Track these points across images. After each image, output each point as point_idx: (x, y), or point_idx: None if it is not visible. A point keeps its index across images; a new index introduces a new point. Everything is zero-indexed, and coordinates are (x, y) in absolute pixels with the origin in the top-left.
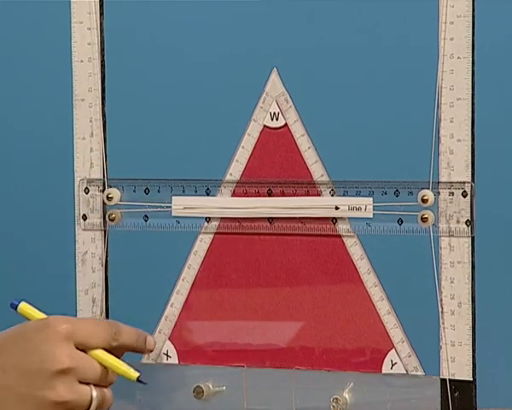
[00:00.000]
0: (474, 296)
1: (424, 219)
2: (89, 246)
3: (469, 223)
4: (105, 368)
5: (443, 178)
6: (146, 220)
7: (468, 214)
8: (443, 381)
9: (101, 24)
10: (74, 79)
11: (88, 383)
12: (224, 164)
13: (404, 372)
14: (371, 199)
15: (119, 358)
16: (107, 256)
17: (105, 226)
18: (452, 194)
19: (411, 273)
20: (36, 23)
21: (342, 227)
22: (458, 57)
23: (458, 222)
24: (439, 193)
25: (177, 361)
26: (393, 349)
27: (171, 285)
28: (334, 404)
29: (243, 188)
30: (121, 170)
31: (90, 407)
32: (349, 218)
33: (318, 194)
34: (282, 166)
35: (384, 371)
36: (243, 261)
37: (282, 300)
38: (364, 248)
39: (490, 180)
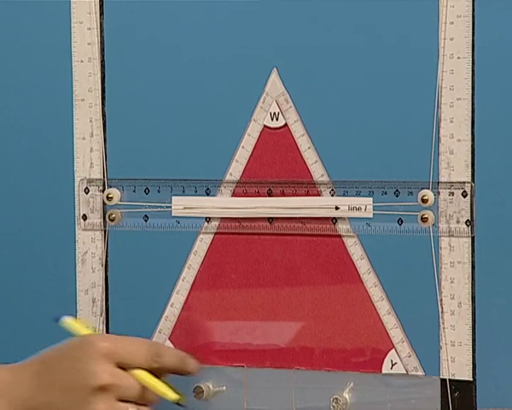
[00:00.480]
0: (474, 296)
1: (424, 219)
2: (89, 246)
3: (469, 223)
4: (145, 387)
5: (443, 178)
6: (146, 220)
7: (468, 214)
8: (443, 381)
9: (101, 24)
10: (74, 79)
11: (127, 402)
12: (224, 164)
13: (404, 372)
14: (371, 199)
15: (159, 378)
16: (107, 256)
17: (105, 226)
18: (452, 194)
19: (411, 273)
20: (36, 23)
21: (342, 227)
22: (458, 57)
23: (458, 222)
24: (439, 193)
25: None
26: (393, 349)
27: (171, 285)
28: (334, 404)
29: (243, 188)
30: (121, 170)
31: None
32: (349, 218)
33: (318, 194)
34: (282, 166)
35: (384, 371)
36: (243, 261)
37: (282, 300)
38: (364, 248)
39: (490, 180)
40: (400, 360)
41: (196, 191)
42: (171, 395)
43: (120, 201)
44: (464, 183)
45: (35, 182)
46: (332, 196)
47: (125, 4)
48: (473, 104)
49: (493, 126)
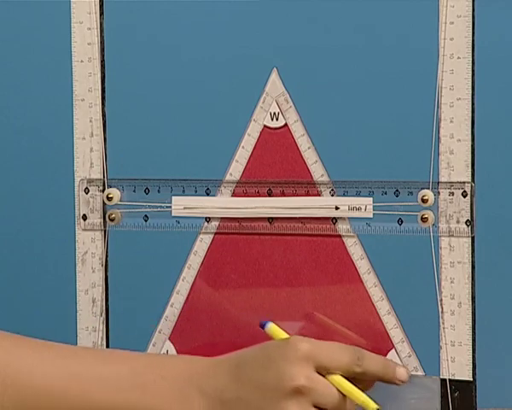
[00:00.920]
0: (474, 296)
1: (424, 219)
2: (89, 246)
3: (469, 223)
4: (343, 395)
5: (443, 178)
6: (146, 220)
7: (468, 214)
8: (443, 381)
9: (101, 24)
10: (74, 79)
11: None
12: (224, 164)
13: None
14: (371, 199)
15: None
16: (107, 256)
17: (105, 226)
18: (452, 194)
19: (411, 273)
20: (36, 23)
21: (342, 227)
22: (458, 57)
23: (458, 222)
24: (439, 193)
25: None
26: (393, 349)
27: (171, 285)
28: None
29: (243, 188)
30: (121, 170)
31: None
32: (349, 218)
33: (318, 194)
34: (282, 166)
35: None
36: (243, 261)
37: (282, 300)
38: (364, 248)
39: (490, 180)
40: (400, 360)
41: (196, 191)
42: (372, 405)
43: (120, 201)
44: (464, 183)
45: (35, 182)
46: (332, 196)
47: (125, 4)
48: (473, 104)
49: (493, 126)
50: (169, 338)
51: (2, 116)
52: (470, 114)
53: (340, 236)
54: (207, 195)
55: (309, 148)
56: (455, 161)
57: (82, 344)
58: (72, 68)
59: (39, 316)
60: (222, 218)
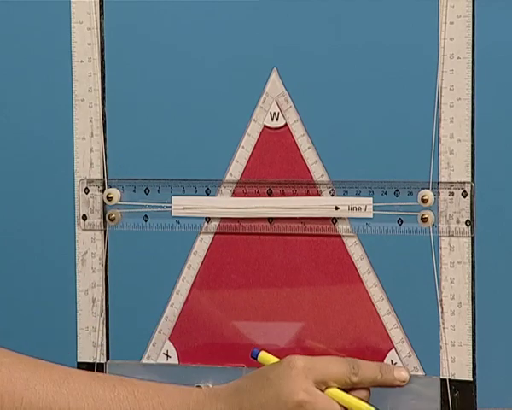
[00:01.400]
0: (474, 296)
1: (424, 219)
2: (89, 246)
3: (469, 223)
4: (344, 408)
5: (443, 178)
6: (146, 220)
7: (468, 214)
8: (443, 381)
9: (101, 24)
10: (74, 79)
11: None
12: (224, 164)
13: None
14: (371, 199)
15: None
16: (107, 256)
17: (105, 226)
18: (452, 194)
19: (411, 273)
20: (36, 23)
21: (342, 227)
22: (458, 57)
23: (458, 222)
24: (439, 193)
25: (177, 361)
26: (393, 349)
27: (171, 285)
28: None
29: (243, 188)
30: (121, 170)
31: None
32: (349, 218)
33: (318, 194)
34: (282, 166)
35: None
36: (243, 261)
37: (282, 300)
38: (364, 248)
39: (490, 180)
40: (400, 360)
41: (196, 191)
42: None
43: (120, 201)
44: (464, 183)
45: (35, 182)
46: (332, 196)
47: (125, 4)
48: (473, 104)
49: (493, 126)
50: (169, 338)
51: (2, 116)
52: (470, 114)
53: (340, 236)
54: (207, 195)
55: (309, 148)
56: (455, 161)
57: (82, 344)
58: (72, 68)
59: (39, 316)
60: (222, 218)
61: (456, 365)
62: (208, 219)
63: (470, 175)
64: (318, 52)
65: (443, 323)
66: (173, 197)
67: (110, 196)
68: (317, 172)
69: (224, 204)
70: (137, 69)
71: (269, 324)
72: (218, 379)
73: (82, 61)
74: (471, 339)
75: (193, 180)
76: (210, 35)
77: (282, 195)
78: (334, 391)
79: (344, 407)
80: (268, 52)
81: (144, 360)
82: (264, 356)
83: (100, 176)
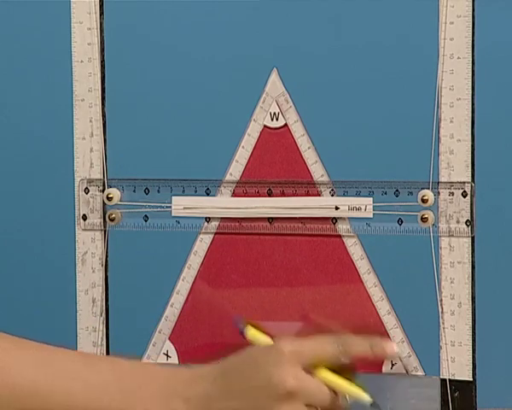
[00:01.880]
0: (474, 296)
1: (424, 219)
2: (89, 246)
3: (469, 223)
4: (334, 392)
5: (443, 178)
6: (146, 220)
7: (468, 214)
8: (443, 381)
9: (101, 24)
10: (74, 79)
11: (315, 408)
12: (224, 164)
13: (404, 372)
14: (371, 199)
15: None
16: (107, 256)
17: (105, 226)
18: (452, 194)
19: (411, 273)
20: (36, 23)
21: (342, 227)
22: (458, 57)
23: (458, 222)
24: (439, 193)
25: (177, 361)
26: None
27: (171, 285)
28: None
29: (243, 188)
30: (121, 170)
31: None
32: (349, 218)
33: (318, 194)
34: (282, 166)
35: (384, 371)
36: (243, 261)
37: (282, 300)
38: (364, 249)
39: (490, 180)
40: (400, 360)
41: (196, 191)
42: (365, 396)
43: (120, 201)
44: (464, 183)
45: (35, 182)
46: (332, 196)
47: (125, 4)
48: (473, 104)
49: (493, 126)
50: (169, 338)
51: (2, 116)
52: (470, 114)
53: (340, 236)
54: (207, 195)
55: (309, 148)
56: (455, 161)
57: (82, 344)
58: (72, 68)
59: (39, 316)
60: (222, 218)
61: (456, 365)
62: (208, 219)
63: (470, 175)
64: (318, 52)
65: (443, 323)
66: (173, 197)
67: (110, 196)
68: (317, 172)
69: (224, 204)
70: (137, 69)
71: (269, 324)
72: None
73: (82, 61)
74: (471, 339)
75: (193, 180)
76: (210, 35)
77: (282, 195)
78: (324, 373)
79: (334, 389)
80: (268, 52)
81: (144, 360)
82: (252, 334)
83: (100, 176)
